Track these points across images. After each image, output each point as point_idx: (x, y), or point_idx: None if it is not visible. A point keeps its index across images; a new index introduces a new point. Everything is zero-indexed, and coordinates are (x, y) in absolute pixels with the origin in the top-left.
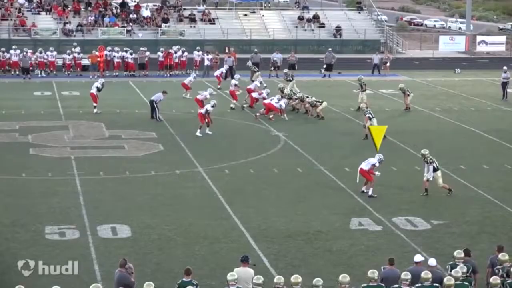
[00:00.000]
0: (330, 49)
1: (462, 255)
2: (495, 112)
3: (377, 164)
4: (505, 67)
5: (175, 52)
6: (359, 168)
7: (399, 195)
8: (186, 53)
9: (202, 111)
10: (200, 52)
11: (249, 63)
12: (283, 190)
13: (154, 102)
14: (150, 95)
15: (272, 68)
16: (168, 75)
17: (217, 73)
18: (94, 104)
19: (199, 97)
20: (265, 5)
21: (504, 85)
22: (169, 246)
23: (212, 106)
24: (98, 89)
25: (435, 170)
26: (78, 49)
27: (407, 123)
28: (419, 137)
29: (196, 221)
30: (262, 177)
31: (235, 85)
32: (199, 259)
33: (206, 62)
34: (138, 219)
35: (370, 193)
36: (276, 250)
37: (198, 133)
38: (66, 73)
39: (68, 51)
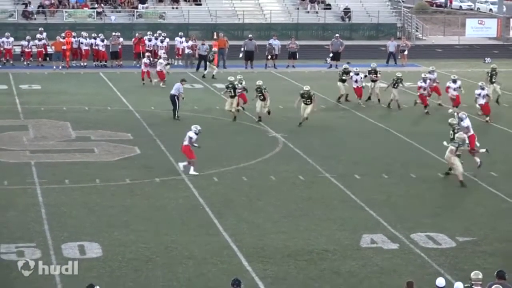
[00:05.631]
0: (337, 34)
1: (480, 276)
2: None
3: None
4: None
5: (149, 40)
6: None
7: (418, 207)
8: (167, 40)
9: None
10: (184, 39)
11: (241, 54)
12: (282, 201)
13: (175, 97)
14: (123, 89)
15: (269, 57)
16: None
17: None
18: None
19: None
20: None
21: None
22: (147, 267)
23: None
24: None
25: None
26: (45, 34)
27: (428, 122)
28: (441, 138)
29: (179, 238)
30: (257, 186)
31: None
32: (183, 283)
33: (187, 50)
34: (110, 236)
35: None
36: (274, 272)
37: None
38: (24, 63)
39: (38, 35)
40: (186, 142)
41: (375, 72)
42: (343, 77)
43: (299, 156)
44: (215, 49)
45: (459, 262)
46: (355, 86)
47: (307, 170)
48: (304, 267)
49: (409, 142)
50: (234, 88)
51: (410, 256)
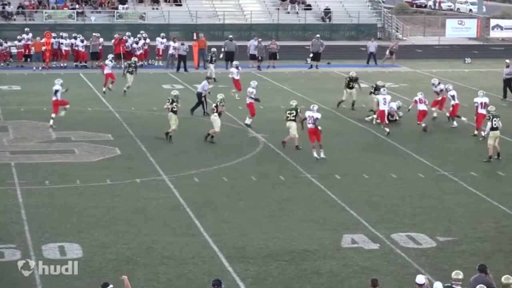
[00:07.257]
0: (317, 35)
1: (461, 276)
2: None
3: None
4: (507, 60)
5: (126, 41)
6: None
7: (399, 207)
8: (148, 40)
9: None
10: (165, 40)
11: (222, 55)
12: (262, 201)
13: (201, 95)
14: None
15: (260, 58)
16: (122, 66)
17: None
18: (53, 115)
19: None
20: None
21: (508, 82)
22: (127, 268)
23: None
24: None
25: (492, 129)
26: (31, 35)
27: (408, 121)
28: (421, 138)
29: (160, 239)
30: (237, 186)
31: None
32: (164, 283)
33: (171, 51)
34: (90, 237)
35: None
36: (255, 272)
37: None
38: (1, 64)
39: (23, 35)
40: (311, 125)
41: (378, 89)
42: (351, 85)
43: (280, 156)
44: (214, 49)
45: (439, 261)
46: (382, 109)
47: (288, 170)
48: (285, 267)
49: (389, 142)
50: (297, 111)
51: (390, 256)
